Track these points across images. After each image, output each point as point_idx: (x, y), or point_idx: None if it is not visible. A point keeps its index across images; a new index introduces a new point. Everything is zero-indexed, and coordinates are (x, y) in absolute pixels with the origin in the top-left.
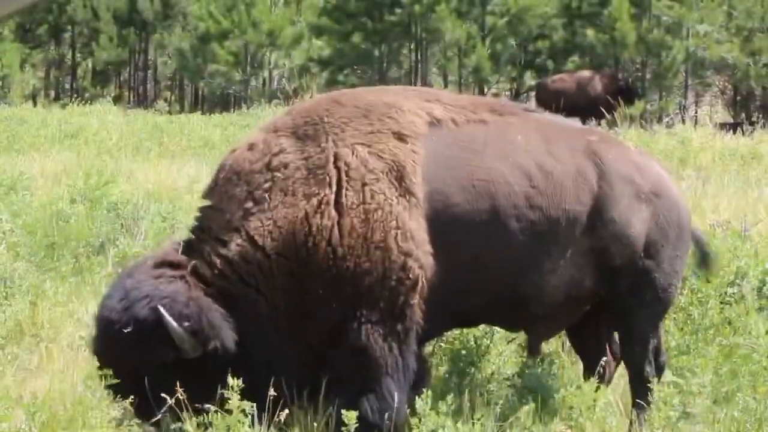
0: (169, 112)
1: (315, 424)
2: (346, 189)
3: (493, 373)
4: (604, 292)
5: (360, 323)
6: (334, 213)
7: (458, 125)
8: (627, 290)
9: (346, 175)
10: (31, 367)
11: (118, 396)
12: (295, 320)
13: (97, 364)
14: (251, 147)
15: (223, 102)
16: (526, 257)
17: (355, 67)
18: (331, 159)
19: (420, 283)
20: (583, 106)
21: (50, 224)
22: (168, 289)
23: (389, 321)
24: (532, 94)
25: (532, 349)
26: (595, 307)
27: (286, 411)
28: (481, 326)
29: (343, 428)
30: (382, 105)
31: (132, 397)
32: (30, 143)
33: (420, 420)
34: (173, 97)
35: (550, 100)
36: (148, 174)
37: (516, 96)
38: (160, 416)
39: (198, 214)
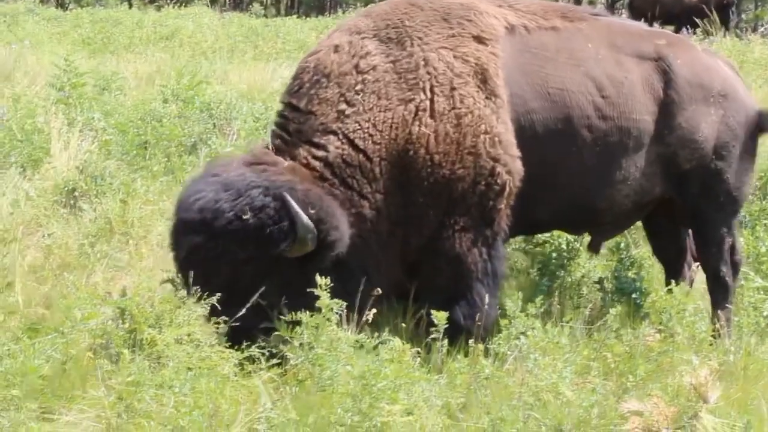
0: (265, 16)
1: (404, 325)
2: (437, 94)
3: (583, 276)
4: (675, 196)
5: (454, 230)
6: (430, 120)
7: (530, 32)
8: (700, 193)
9: (436, 80)
10: (120, 265)
11: (206, 292)
12: (395, 225)
13: (189, 257)
14: (337, 49)
15: (319, 5)
16: (598, 167)
17: None
18: (421, 63)
19: (507, 189)
20: (677, 14)
21: (142, 124)
22: (282, 179)
23: (479, 227)
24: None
25: (594, 247)
26: (673, 211)
27: (374, 311)
28: None
29: (432, 329)
30: (459, 7)
31: (221, 294)
32: (124, 45)
33: (510, 322)
34: (269, 0)
35: (646, 8)
36: (242, 76)
37: (612, 3)
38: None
39: (281, 118)
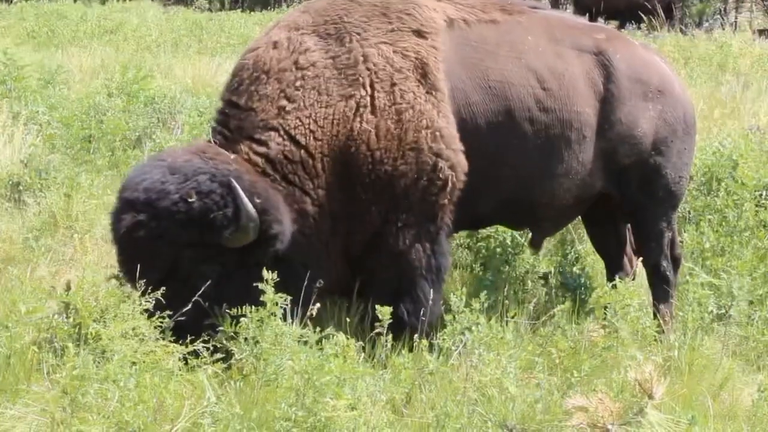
0: (210, 10)
1: (348, 320)
2: (378, 90)
3: (527, 272)
4: (614, 191)
5: (397, 226)
6: (371, 116)
7: (469, 25)
8: (638, 188)
9: (376, 76)
10: (64, 259)
11: (143, 281)
12: (338, 221)
13: (130, 235)
14: (275, 45)
15: (263, 0)
16: (540, 160)
17: None
18: (360, 59)
19: (450, 184)
20: (622, 10)
21: (87, 118)
22: (229, 167)
23: (422, 222)
24: None
25: (535, 244)
26: (612, 206)
27: (318, 305)
28: None
29: (376, 323)
30: (398, 2)
31: (158, 279)
32: (69, 38)
33: (454, 317)
34: None
35: (590, 3)
36: (186, 70)
37: None
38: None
39: (221, 115)
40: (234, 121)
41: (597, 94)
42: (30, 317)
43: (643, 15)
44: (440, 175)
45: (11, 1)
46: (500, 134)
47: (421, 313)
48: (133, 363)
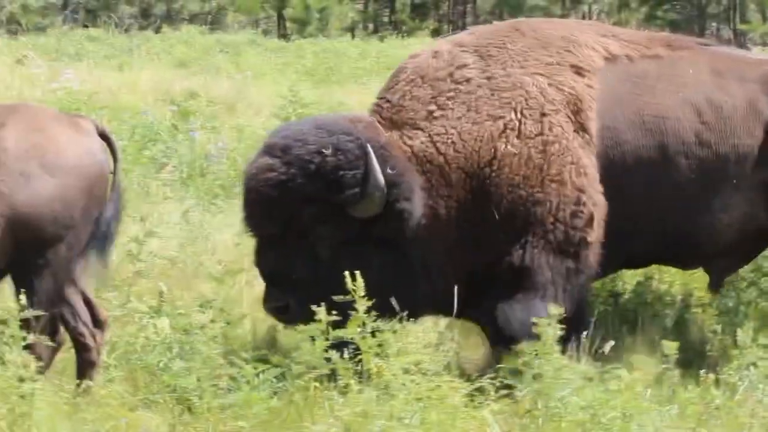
0: None
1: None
2: (526, 117)
3: None
4: None
5: (525, 248)
6: (516, 140)
7: (632, 61)
8: None
9: (527, 104)
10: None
11: (259, 220)
12: (464, 235)
13: (259, 176)
14: (435, 55)
15: None
16: (695, 195)
17: (675, 2)
18: (517, 84)
19: (594, 221)
20: None
21: None
22: (377, 137)
23: (560, 256)
24: None
25: (714, 285)
26: None
27: (612, 342)
28: None
29: (662, 358)
30: (559, 38)
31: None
32: (348, 75)
33: (741, 352)
34: None
35: None
36: None
37: None
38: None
39: (375, 107)
40: (386, 113)
41: (761, 124)
42: (311, 354)
43: None
44: (583, 210)
45: (289, 39)
46: (653, 170)
47: (585, 327)
48: (418, 399)
